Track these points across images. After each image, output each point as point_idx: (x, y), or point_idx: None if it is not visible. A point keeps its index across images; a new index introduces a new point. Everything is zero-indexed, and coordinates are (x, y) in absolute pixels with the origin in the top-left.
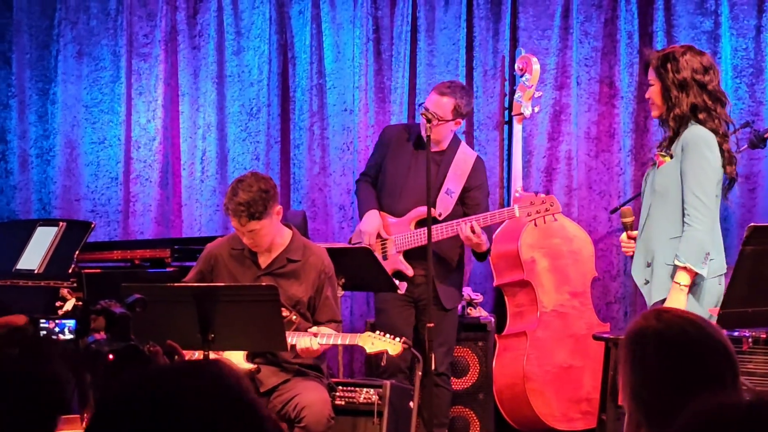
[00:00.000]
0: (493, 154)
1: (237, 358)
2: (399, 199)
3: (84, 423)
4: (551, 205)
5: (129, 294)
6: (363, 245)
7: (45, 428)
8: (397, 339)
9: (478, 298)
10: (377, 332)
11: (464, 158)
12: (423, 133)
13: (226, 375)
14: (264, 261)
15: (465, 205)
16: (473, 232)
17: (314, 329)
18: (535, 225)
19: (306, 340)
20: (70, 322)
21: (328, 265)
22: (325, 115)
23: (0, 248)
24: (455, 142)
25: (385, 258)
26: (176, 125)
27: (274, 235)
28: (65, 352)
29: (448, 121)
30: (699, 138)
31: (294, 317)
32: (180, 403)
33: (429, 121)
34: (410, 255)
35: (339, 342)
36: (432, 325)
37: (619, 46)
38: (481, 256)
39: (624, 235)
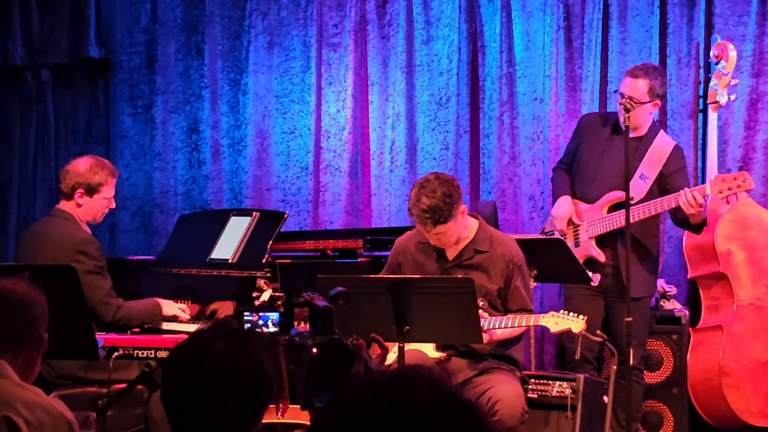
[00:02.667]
0: (687, 143)
1: (427, 347)
2: (591, 186)
3: (279, 413)
4: (743, 181)
5: (325, 286)
6: (556, 236)
7: (252, 420)
8: (580, 317)
9: (672, 290)
10: (561, 311)
11: (662, 145)
12: (621, 121)
13: (450, 383)
14: (451, 253)
15: (667, 190)
16: (694, 198)
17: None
18: (727, 202)
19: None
20: (274, 315)
21: (517, 254)
22: (515, 104)
23: (194, 238)
24: (654, 129)
25: (577, 245)
26: (366, 115)
27: (460, 231)
28: (270, 345)
29: (644, 103)
30: None
31: (481, 303)
32: (408, 410)
33: (627, 110)
34: (599, 243)
35: (522, 324)
36: (630, 319)
37: None
38: (698, 228)
39: None
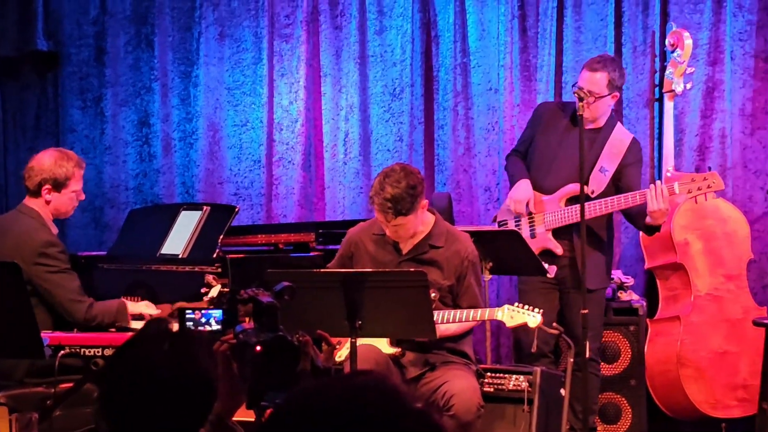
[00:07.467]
0: (644, 132)
1: (381, 342)
2: (547, 175)
3: None
4: (713, 182)
5: (275, 281)
6: (510, 226)
7: (195, 426)
8: (536, 310)
9: (629, 281)
10: (516, 304)
11: (620, 138)
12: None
13: (404, 391)
14: (406, 247)
15: (620, 181)
16: (662, 194)
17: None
18: (695, 202)
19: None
20: (216, 313)
21: (472, 252)
22: (470, 94)
23: (145, 233)
24: (612, 121)
25: (533, 236)
26: (318, 107)
27: (417, 225)
28: (209, 345)
29: (604, 96)
30: None
31: (432, 294)
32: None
33: (581, 99)
34: (555, 234)
35: (477, 318)
36: (587, 311)
37: None
38: (651, 230)
39: None
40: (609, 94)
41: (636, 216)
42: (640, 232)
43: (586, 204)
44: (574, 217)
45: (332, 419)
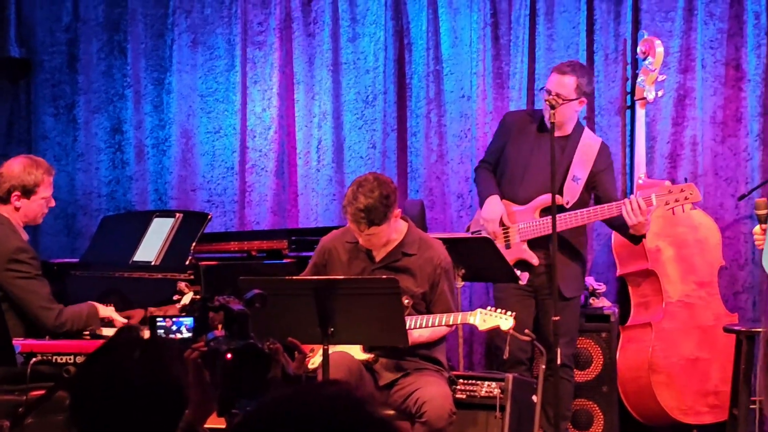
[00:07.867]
0: (615, 140)
1: (354, 349)
2: (521, 186)
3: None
4: (690, 194)
5: (247, 288)
6: (483, 235)
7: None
8: (509, 313)
9: (601, 288)
10: (488, 308)
11: (589, 143)
12: (546, 119)
13: (367, 401)
14: (379, 255)
15: (596, 189)
16: (639, 208)
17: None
18: (673, 213)
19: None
20: (188, 320)
21: (445, 259)
22: (443, 101)
23: (117, 240)
24: (579, 127)
25: (508, 247)
26: (291, 114)
27: (390, 233)
28: (180, 352)
29: (571, 100)
30: None
31: (406, 301)
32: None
33: (553, 107)
34: (531, 242)
35: (449, 322)
36: (558, 318)
37: (745, 27)
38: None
39: (757, 228)
40: (576, 99)
41: (620, 227)
42: (612, 239)
43: (561, 215)
44: (549, 229)
45: (301, 427)
